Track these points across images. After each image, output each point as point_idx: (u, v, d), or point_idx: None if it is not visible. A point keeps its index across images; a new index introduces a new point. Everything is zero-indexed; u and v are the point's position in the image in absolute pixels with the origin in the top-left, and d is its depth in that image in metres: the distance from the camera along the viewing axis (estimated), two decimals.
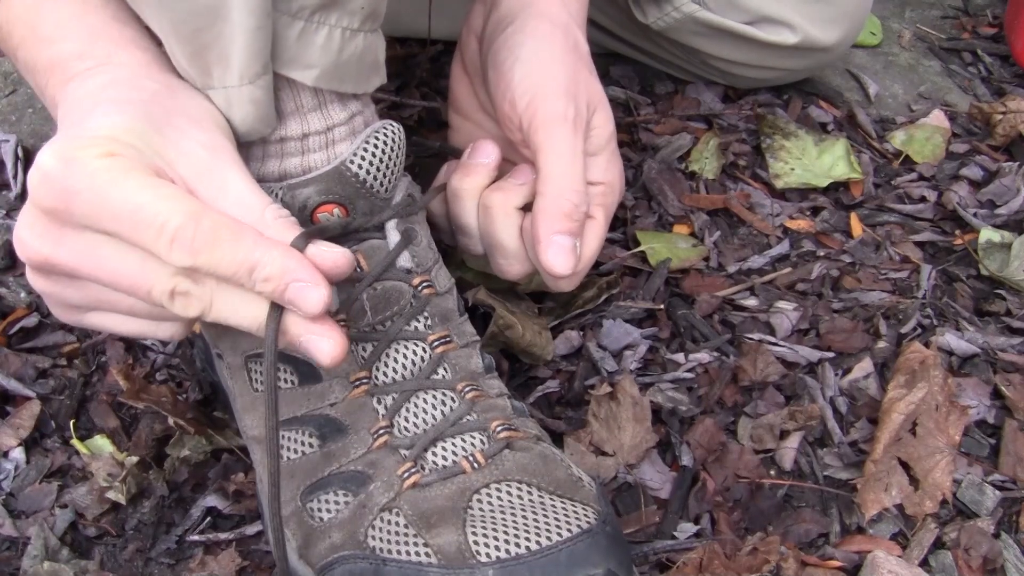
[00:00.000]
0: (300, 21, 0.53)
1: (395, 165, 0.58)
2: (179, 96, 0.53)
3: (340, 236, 0.57)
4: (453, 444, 0.57)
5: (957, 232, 0.91)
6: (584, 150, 0.66)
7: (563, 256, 0.63)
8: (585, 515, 0.53)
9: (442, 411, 0.58)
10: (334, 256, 0.50)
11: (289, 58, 0.54)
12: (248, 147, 0.58)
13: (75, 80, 0.53)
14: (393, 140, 0.58)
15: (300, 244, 0.50)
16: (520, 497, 0.54)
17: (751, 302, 0.83)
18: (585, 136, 0.66)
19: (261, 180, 0.58)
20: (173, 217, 0.47)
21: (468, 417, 0.58)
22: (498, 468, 0.55)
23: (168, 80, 0.54)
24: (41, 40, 0.55)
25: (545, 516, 0.53)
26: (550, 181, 0.63)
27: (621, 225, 0.89)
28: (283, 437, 0.59)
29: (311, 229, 0.52)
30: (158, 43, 0.55)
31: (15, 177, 0.92)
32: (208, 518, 0.68)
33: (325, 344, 0.50)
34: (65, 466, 0.71)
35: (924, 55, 1.15)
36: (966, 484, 0.70)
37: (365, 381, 0.58)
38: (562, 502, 0.54)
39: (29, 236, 0.50)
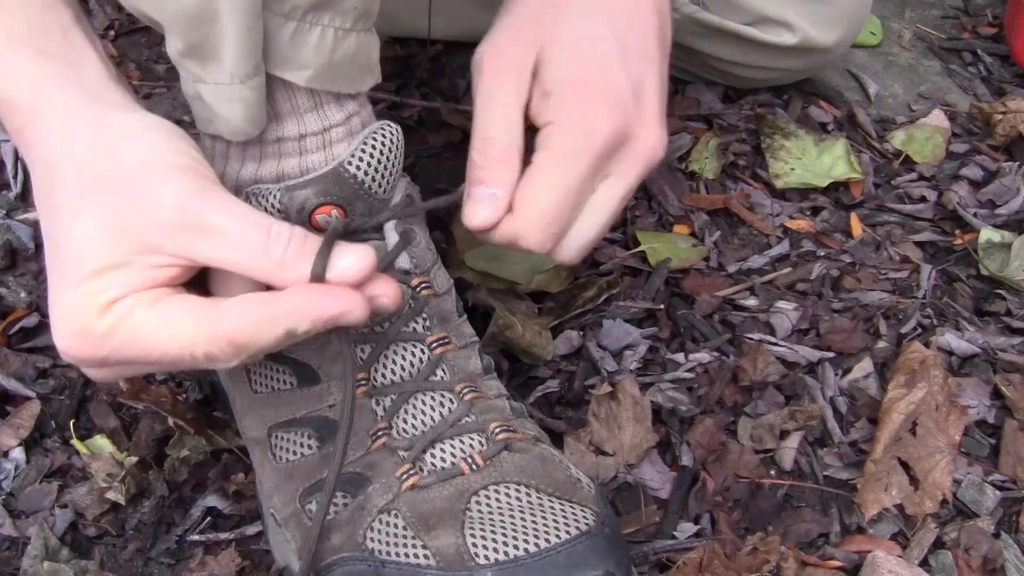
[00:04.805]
0: (293, 21, 0.53)
1: (393, 166, 0.58)
2: (118, 155, 0.50)
3: (339, 237, 0.57)
4: (452, 445, 0.57)
5: (957, 232, 0.91)
6: (516, 93, 0.61)
7: (474, 207, 0.59)
8: (584, 517, 0.53)
9: (440, 412, 0.58)
10: (357, 271, 0.50)
11: (282, 59, 0.54)
12: (245, 147, 0.57)
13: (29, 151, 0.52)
14: (391, 141, 0.58)
15: (319, 272, 0.49)
16: (519, 499, 0.54)
17: (751, 302, 0.83)
18: (524, 82, 0.61)
19: (258, 181, 0.58)
20: (197, 346, 0.48)
21: (467, 418, 0.58)
22: (497, 470, 0.55)
23: (97, 130, 0.51)
24: None
25: (544, 518, 0.52)
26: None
27: (621, 225, 0.89)
28: (281, 439, 0.59)
29: (322, 245, 0.50)
30: (83, 54, 0.53)
31: (15, 177, 0.92)
32: (208, 518, 0.68)
33: (383, 300, 0.51)
34: (65, 466, 0.71)
35: (924, 55, 1.15)
36: (966, 484, 0.70)
37: (363, 382, 0.58)
38: (560, 504, 0.54)
39: (72, 351, 0.50)
